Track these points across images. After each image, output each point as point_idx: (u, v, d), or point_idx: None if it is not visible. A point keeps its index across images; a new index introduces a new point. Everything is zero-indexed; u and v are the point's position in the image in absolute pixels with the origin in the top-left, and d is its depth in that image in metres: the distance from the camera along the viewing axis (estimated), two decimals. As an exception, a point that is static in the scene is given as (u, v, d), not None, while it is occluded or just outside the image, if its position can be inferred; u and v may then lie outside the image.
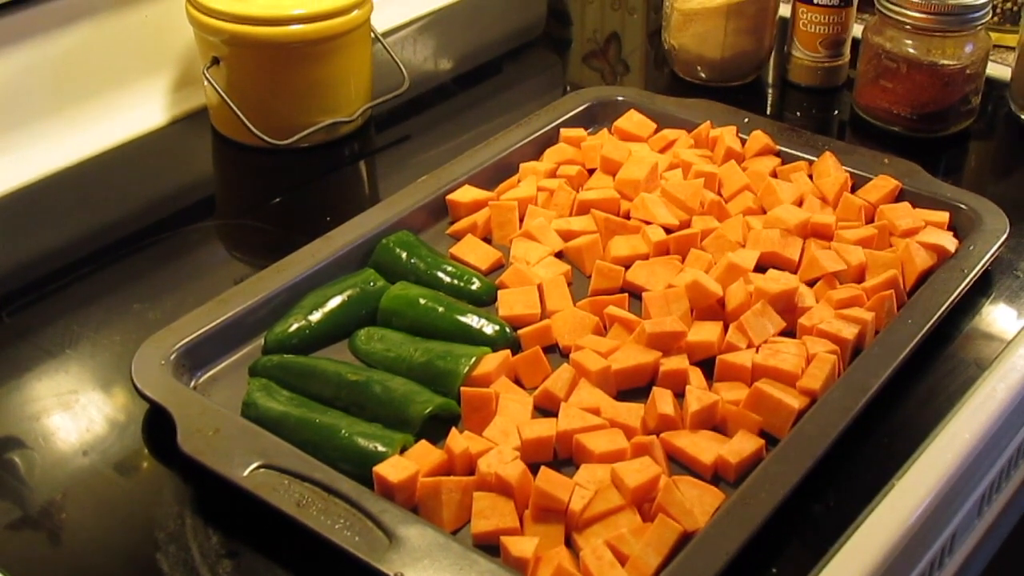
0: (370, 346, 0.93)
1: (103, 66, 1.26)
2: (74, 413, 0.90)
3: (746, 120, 1.20)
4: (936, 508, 0.83)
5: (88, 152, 1.23)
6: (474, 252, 1.04)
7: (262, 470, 0.79)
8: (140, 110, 1.28)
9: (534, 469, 0.80)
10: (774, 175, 1.12)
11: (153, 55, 1.29)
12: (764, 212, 1.07)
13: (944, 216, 1.05)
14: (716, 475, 0.83)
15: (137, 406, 0.89)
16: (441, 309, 0.95)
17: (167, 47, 1.30)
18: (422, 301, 0.95)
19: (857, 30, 1.32)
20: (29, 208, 1.15)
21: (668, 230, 1.04)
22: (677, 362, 0.90)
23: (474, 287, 0.99)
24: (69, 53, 1.22)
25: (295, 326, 0.94)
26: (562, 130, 1.19)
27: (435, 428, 0.85)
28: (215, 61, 1.20)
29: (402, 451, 0.82)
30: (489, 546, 0.76)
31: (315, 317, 0.95)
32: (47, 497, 0.83)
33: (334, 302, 0.96)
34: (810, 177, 1.12)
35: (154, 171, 1.22)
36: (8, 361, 0.95)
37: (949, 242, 1.02)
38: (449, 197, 1.09)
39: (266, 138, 1.19)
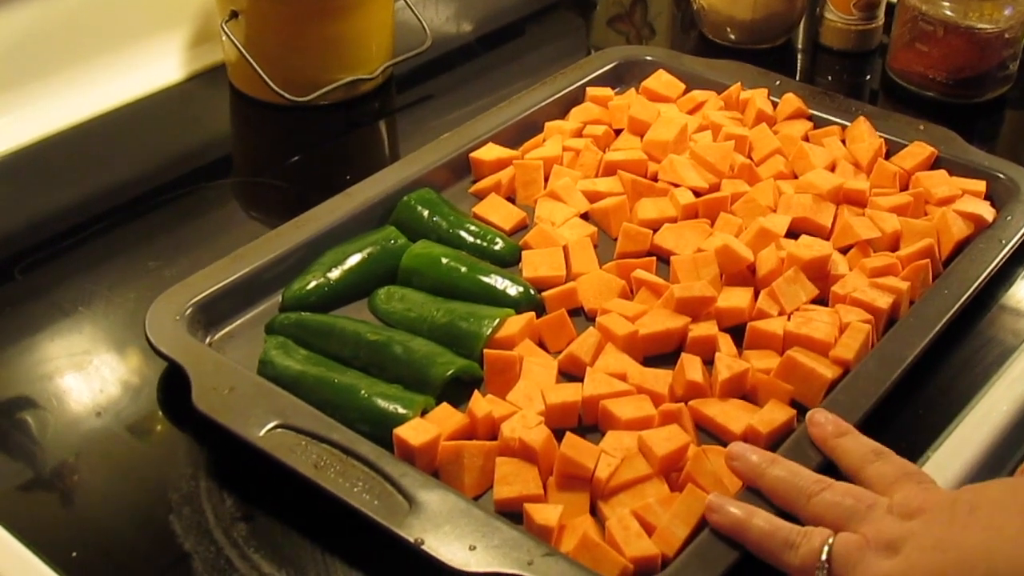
0: (390, 305, 0.91)
1: (120, 20, 1.24)
2: (87, 373, 0.89)
3: (777, 83, 1.17)
4: (971, 482, 0.81)
5: (104, 108, 1.21)
6: (497, 212, 1.02)
7: (279, 430, 0.77)
8: (157, 65, 1.26)
9: (558, 435, 0.78)
10: (806, 139, 1.10)
11: (171, 9, 1.27)
12: (795, 177, 1.05)
13: (981, 185, 1.03)
14: (746, 444, 0.81)
15: (152, 367, 0.87)
16: (464, 269, 0.93)
17: (185, 0, 1.28)
18: (444, 260, 0.93)
19: (892, -7, 1.30)
20: (44, 164, 1.13)
21: (697, 193, 1.02)
22: (706, 328, 0.88)
23: (497, 247, 0.97)
24: (86, 7, 1.20)
25: (313, 283, 0.92)
26: (588, 89, 1.17)
27: (457, 391, 0.83)
28: (234, 15, 1.17)
29: (423, 413, 0.80)
30: (512, 513, 0.74)
31: (334, 275, 0.93)
32: (60, 458, 0.82)
33: (354, 259, 0.94)
34: (843, 142, 1.09)
35: (171, 128, 1.21)
36: (21, 319, 0.94)
37: (987, 211, 0.99)
38: (473, 155, 1.07)
39: (285, 94, 1.17)
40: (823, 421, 0.78)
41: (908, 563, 0.65)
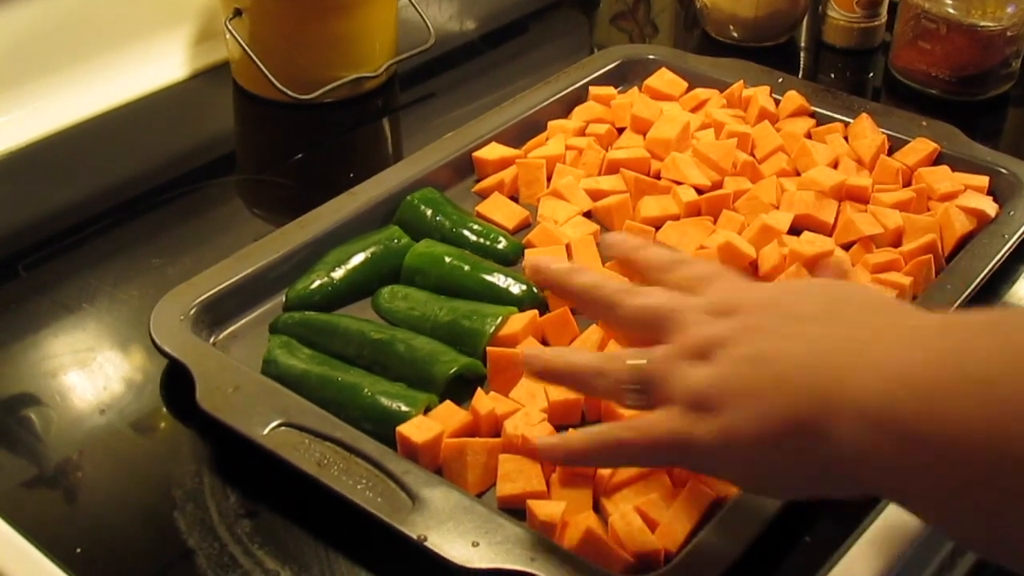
0: (394, 304, 0.91)
1: (124, 18, 1.24)
2: (91, 370, 0.89)
3: (780, 80, 1.17)
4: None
5: (108, 105, 1.20)
6: (501, 210, 1.02)
7: (282, 428, 0.77)
8: (161, 63, 1.26)
9: (561, 432, 0.78)
10: (808, 136, 1.10)
11: (174, 7, 1.27)
12: (798, 174, 1.05)
13: (984, 180, 1.03)
14: (748, 441, 0.81)
15: (155, 364, 0.87)
16: (467, 268, 0.93)
17: (189, -2, 1.28)
18: (447, 259, 0.93)
19: (895, -9, 1.29)
20: (48, 161, 1.13)
21: (700, 191, 1.02)
22: (709, 325, 0.88)
23: (500, 246, 0.97)
24: (89, 5, 1.20)
25: (317, 283, 0.92)
26: (591, 88, 1.17)
27: (460, 389, 0.83)
28: (237, 13, 1.18)
29: (426, 411, 0.80)
30: (515, 510, 0.74)
31: (338, 274, 0.93)
32: (63, 455, 0.82)
33: (357, 259, 0.94)
34: (845, 139, 1.09)
35: (174, 125, 1.21)
36: (25, 316, 0.94)
37: (989, 206, 0.99)
38: (476, 154, 1.07)
39: (289, 92, 1.17)
40: (620, 239, 0.73)
41: (722, 374, 0.61)
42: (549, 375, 0.70)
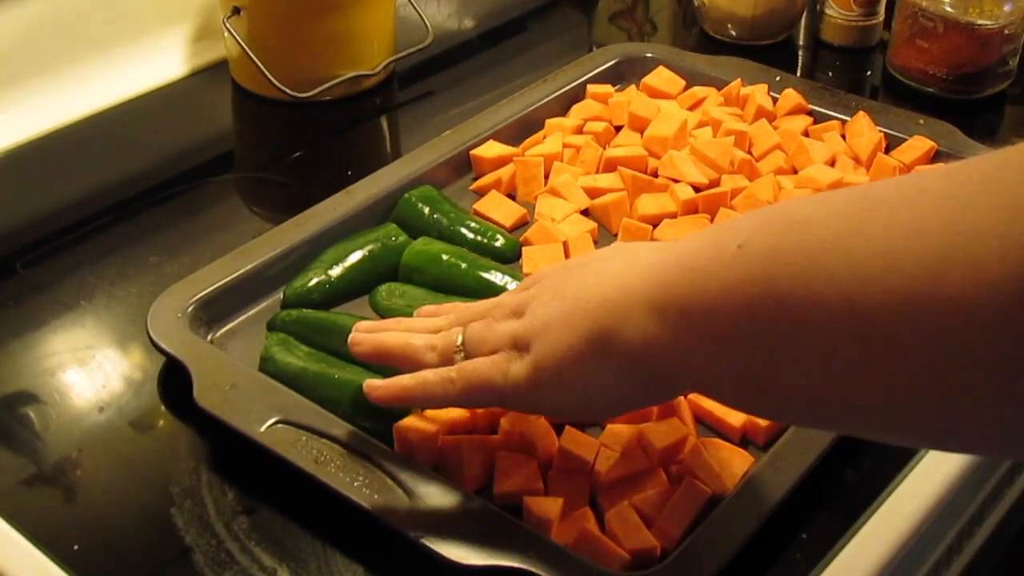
0: (391, 302, 0.91)
1: (122, 17, 1.24)
2: (90, 368, 0.89)
3: (777, 78, 1.17)
4: (970, 474, 0.81)
5: (106, 103, 1.21)
6: (498, 208, 1.02)
7: (280, 426, 0.77)
8: (159, 61, 1.26)
9: (558, 429, 0.78)
10: (806, 134, 1.10)
11: (173, 5, 1.27)
12: (795, 172, 1.05)
13: (981, 178, 1.02)
14: (745, 438, 0.81)
15: (153, 361, 0.87)
16: (464, 265, 0.93)
17: (187, -4, 1.28)
18: (445, 257, 0.93)
19: (892, -11, 1.29)
20: (46, 159, 1.14)
21: (697, 189, 1.02)
22: (706, 322, 0.88)
23: (498, 244, 0.97)
24: (87, 2, 1.20)
25: (315, 280, 0.92)
26: (589, 86, 1.17)
27: (457, 386, 0.83)
28: (236, 11, 1.18)
29: (423, 408, 0.80)
30: (512, 506, 0.74)
31: (335, 272, 0.93)
32: (62, 453, 0.82)
33: (355, 257, 0.94)
34: (843, 137, 1.09)
35: (173, 123, 1.21)
36: (23, 314, 0.94)
37: (986, 204, 0.99)
38: (473, 152, 1.07)
39: (287, 90, 1.17)
40: (361, 337, 0.77)
41: (533, 316, 0.68)
42: (380, 355, 0.75)
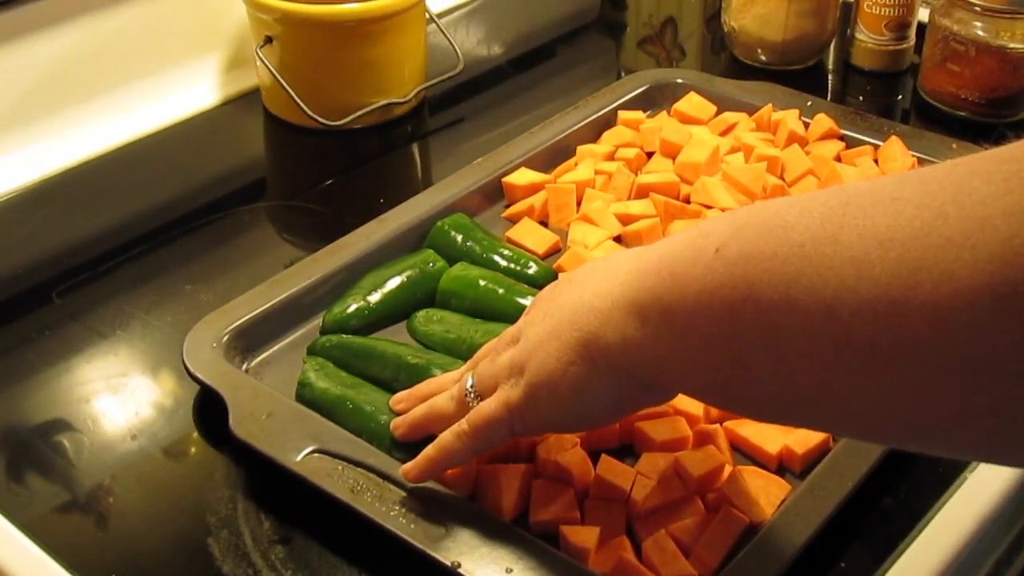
0: (429, 328, 0.92)
1: (156, 45, 1.25)
2: (124, 396, 0.89)
3: (809, 103, 1.17)
4: (1010, 501, 0.81)
5: (140, 132, 1.22)
6: (531, 236, 1.02)
7: (316, 455, 0.77)
8: (192, 90, 1.27)
9: (594, 457, 0.78)
10: (838, 159, 1.10)
11: (205, 34, 1.28)
12: (828, 197, 1.05)
13: (1015, 202, 1.02)
14: (781, 466, 0.80)
15: (187, 389, 0.88)
16: (501, 291, 0.93)
17: (219, 26, 1.29)
18: (482, 283, 0.94)
19: (922, 14, 1.29)
20: (81, 188, 1.14)
21: (730, 215, 1.01)
22: (741, 349, 0.88)
23: (531, 271, 0.97)
24: (121, 32, 1.21)
25: (354, 307, 0.92)
26: (620, 112, 1.17)
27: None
28: (268, 40, 1.18)
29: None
30: (549, 535, 0.74)
31: (374, 298, 0.93)
32: (96, 480, 0.82)
33: (393, 283, 0.94)
34: (875, 162, 1.09)
35: (206, 152, 1.21)
36: (58, 342, 0.95)
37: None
38: (505, 180, 1.08)
39: (319, 119, 1.18)
40: (398, 422, 0.80)
41: (526, 340, 0.70)
42: (417, 431, 0.78)
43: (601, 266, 0.70)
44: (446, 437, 0.73)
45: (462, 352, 0.88)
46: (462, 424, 0.73)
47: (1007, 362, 0.45)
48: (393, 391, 0.84)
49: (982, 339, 0.45)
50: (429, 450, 0.74)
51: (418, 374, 0.85)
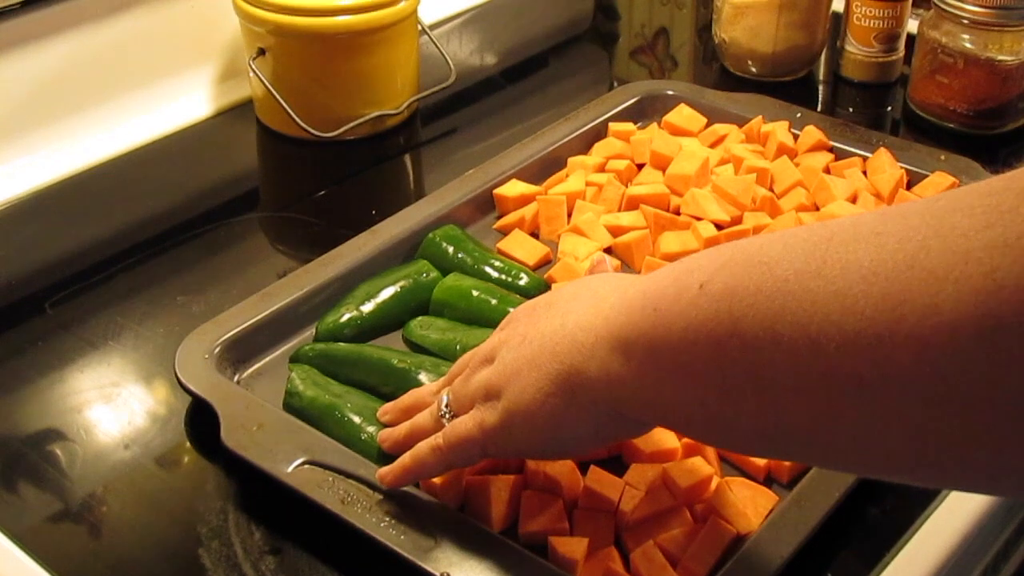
0: (424, 332, 0.92)
1: (148, 57, 1.25)
2: (116, 406, 0.90)
3: (798, 115, 1.18)
4: (995, 513, 0.81)
5: (132, 143, 1.22)
6: (522, 247, 1.03)
7: (306, 466, 0.78)
8: (185, 101, 1.28)
9: (583, 468, 0.79)
10: (827, 171, 1.10)
11: (198, 46, 1.29)
12: (817, 208, 1.05)
13: (1002, 214, 1.03)
14: (769, 476, 0.81)
15: (179, 399, 0.88)
16: (494, 301, 0.93)
17: (213, 38, 1.30)
18: (475, 293, 0.94)
19: (911, 26, 1.30)
20: (73, 200, 1.15)
21: (719, 226, 1.02)
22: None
23: (522, 282, 0.98)
24: (114, 43, 1.22)
25: (347, 316, 0.93)
26: (611, 124, 1.18)
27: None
28: (261, 52, 1.19)
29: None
30: (537, 546, 0.75)
31: (367, 308, 0.94)
32: (88, 490, 0.83)
33: (386, 293, 0.95)
34: (864, 173, 1.10)
35: (198, 163, 1.22)
36: (51, 352, 0.95)
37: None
38: (496, 191, 1.08)
39: (312, 130, 1.18)
40: (384, 436, 0.80)
41: (502, 363, 0.70)
42: (399, 447, 0.77)
43: (583, 294, 0.69)
44: (422, 449, 0.74)
45: (455, 353, 0.88)
46: (438, 439, 0.73)
47: (993, 394, 0.45)
48: (380, 395, 0.85)
49: (967, 372, 0.46)
50: (405, 458, 0.75)
51: (403, 378, 0.86)
